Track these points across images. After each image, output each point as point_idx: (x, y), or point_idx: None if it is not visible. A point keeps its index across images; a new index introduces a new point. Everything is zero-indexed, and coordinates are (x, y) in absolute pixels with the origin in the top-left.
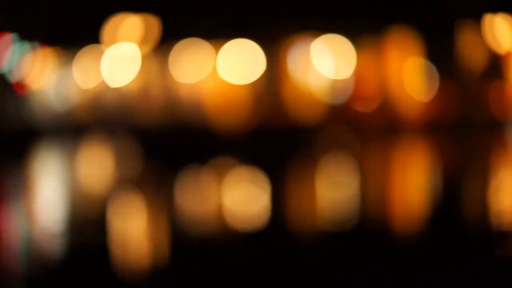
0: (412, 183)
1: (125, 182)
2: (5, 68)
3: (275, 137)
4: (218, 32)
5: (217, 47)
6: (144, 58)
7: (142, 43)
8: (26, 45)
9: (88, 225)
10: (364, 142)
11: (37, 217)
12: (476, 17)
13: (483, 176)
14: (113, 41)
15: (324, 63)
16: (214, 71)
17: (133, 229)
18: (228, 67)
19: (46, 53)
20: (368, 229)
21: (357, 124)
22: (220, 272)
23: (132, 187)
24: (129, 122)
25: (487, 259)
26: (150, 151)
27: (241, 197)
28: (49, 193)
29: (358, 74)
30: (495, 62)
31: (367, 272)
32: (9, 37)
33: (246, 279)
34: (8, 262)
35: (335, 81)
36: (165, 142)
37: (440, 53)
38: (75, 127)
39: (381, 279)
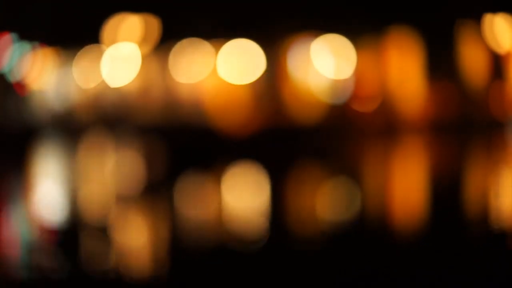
0: (412, 183)
1: (126, 183)
2: (5, 68)
3: (275, 137)
4: (218, 32)
5: (217, 47)
6: (144, 58)
7: (142, 43)
8: (26, 45)
9: (88, 227)
10: (364, 142)
11: (37, 218)
12: (476, 17)
13: (483, 176)
14: (113, 41)
15: (324, 63)
16: (214, 71)
17: (134, 232)
18: (228, 67)
19: (46, 53)
20: (368, 229)
21: (357, 124)
22: (222, 276)
23: (133, 188)
24: (129, 122)
25: (487, 258)
26: (150, 151)
27: (242, 198)
28: (49, 193)
29: (358, 74)
30: (495, 62)
31: (367, 272)
32: (9, 37)
33: (248, 282)
34: (7, 264)
35: (335, 81)
36: (164, 142)
37: (440, 53)
38: (75, 127)
39: (381, 280)
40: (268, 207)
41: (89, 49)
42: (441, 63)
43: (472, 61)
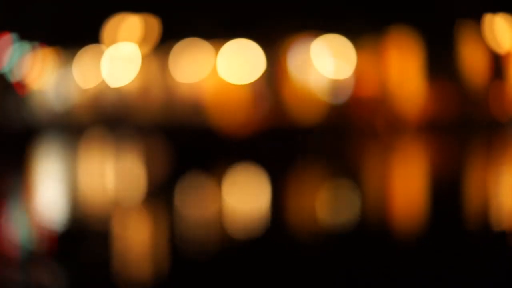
0: (412, 183)
1: (126, 184)
2: (5, 68)
3: (275, 137)
4: (218, 32)
5: (217, 47)
6: (144, 58)
7: (142, 43)
8: (26, 45)
9: (88, 228)
10: (364, 142)
11: (37, 218)
12: (476, 17)
13: (483, 176)
14: (113, 41)
15: (324, 63)
16: (214, 71)
17: (135, 233)
18: (228, 67)
19: (46, 53)
20: (368, 229)
21: (357, 124)
22: (223, 277)
23: (133, 188)
24: (129, 122)
25: (487, 258)
26: (150, 151)
27: (241, 199)
28: (49, 193)
29: (358, 74)
30: (495, 62)
31: (367, 273)
32: (9, 37)
33: (249, 282)
34: (7, 265)
35: (335, 81)
36: (164, 142)
37: (440, 53)
38: (75, 127)
39: (382, 280)
40: (268, 207)
41: (89, 49)
42: (441, 63)
43: (472, 61)
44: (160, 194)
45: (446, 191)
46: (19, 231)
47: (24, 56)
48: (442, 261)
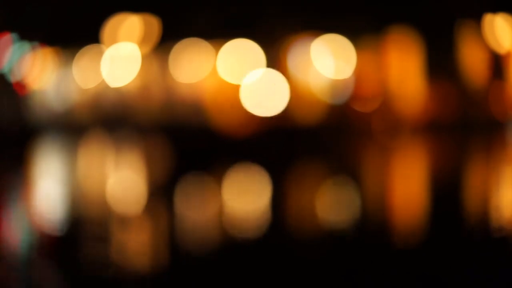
0: (412, 183)
1: (125, 184)
2: (5, 68)
3: (275, 137)
4: (218, 32)
5: (217, 47)
6: (144, 58)
7: (142, 43)
8: (26, 45)
9: (88, 228)
10: (364, 142)
11: (37, 218)
12: (476, 17)
13: (483, 176)
14: (113, 41)
15: (324, 63)
16: (214, 71)
17: (135, 233)
18: (228, 67)
19: (46, 53)
20: (368, 229)
21: (357, 124)
22: (223, 277)
23: (133, 188)
24: (129, 122)
25: (487, 259)
26: (150, 151)
27: (241, 199)
28: (49, 193)
29: (358, 74)
30: (495, 62)
31: (367, 273)
32: (9, 37)
33: (249, 283)
34: (7, 264)
35: (335, 81)
36: (164, 142)
37: (440, 53)
38: (75, 127)
39: (381, 280)
40: (268, 207)
41: (89, 49)
42: (441, 63)
43: (472, 61)
44: (160, 194)
45: (446, 191)
46: (18, 231)
47: (24, 56)
48: (442, 261)
